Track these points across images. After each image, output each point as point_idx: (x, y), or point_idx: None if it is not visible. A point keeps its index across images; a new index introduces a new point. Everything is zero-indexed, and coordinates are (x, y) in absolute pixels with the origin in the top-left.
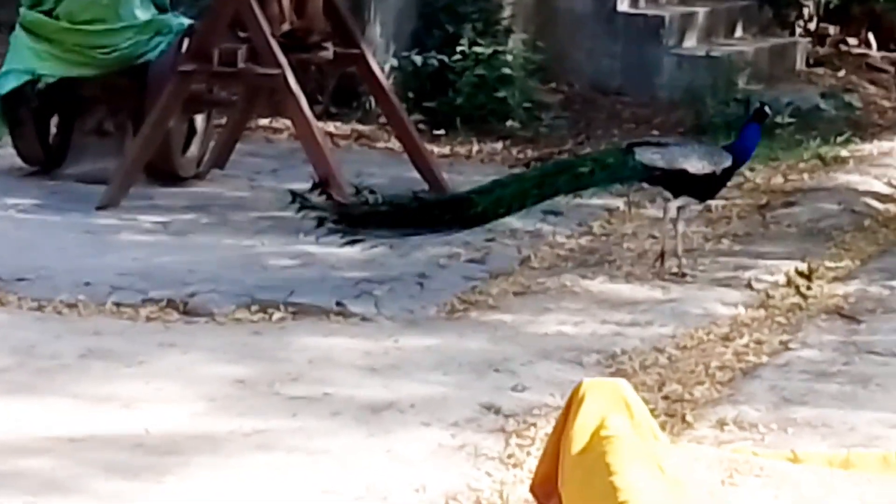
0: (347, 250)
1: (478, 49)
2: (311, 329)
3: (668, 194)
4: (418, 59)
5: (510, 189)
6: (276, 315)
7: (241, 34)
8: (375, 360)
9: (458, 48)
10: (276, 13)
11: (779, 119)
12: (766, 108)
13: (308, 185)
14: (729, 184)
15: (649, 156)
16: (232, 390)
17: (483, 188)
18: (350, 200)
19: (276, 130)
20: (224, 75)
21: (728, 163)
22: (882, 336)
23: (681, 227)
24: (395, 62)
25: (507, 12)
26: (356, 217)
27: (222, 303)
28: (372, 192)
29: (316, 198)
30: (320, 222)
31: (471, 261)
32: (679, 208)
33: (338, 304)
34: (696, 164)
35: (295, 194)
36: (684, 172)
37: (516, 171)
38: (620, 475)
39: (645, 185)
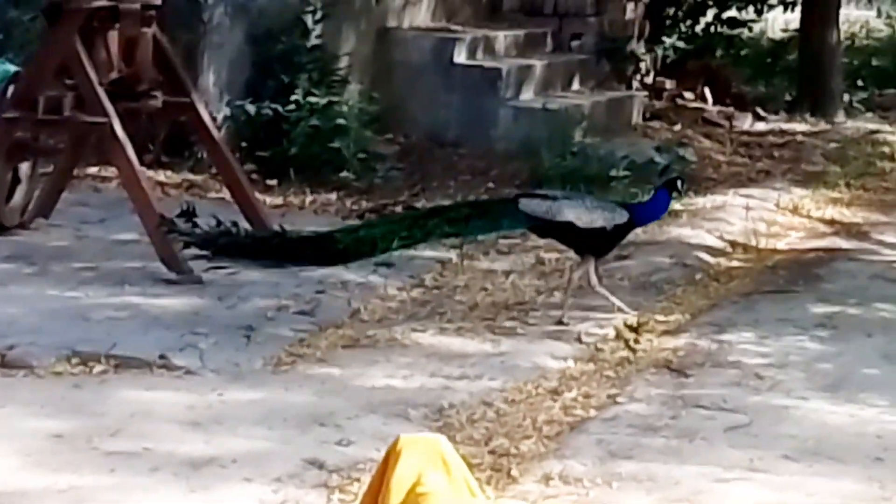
0: (172, 302)
1: (313, 99)
2: (132, 382)
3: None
4: (252, 109)
5: (377, 230)
6: (98, 368)
7: (68, 81)
8: (198, 414)
9: (293, 98)
10: (104, 60)
11: (614, 172)
12: (679, 182)
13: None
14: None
15: (533, 206)
16: (48, 445)
17: (349, 227)
18: (215, 230)
19: (104, 179)
20: (49, 123)
21: (622, 219)
22: (709, 390)
23: (576, 277)
24: (228, 111)
25: (343, 63)
26: (220, 246)
27: (42, 355)
28: (234, 223)
29: (183, 224)
30: (186, 246)
31: (300, 312)
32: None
33: (161, 356)
34: (583, 218)
35: (164, 218)
36: (570, 225)
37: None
38: None
39: (534, 235)
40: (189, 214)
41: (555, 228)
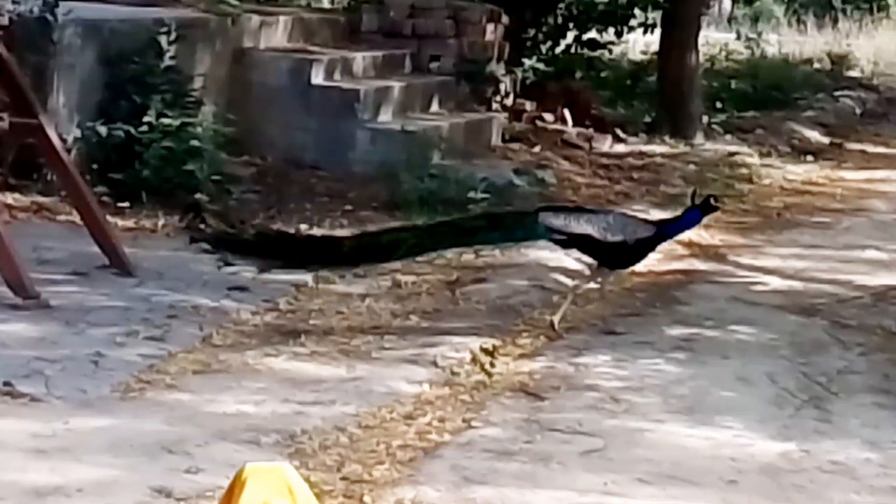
0: (18, 328)
1: (166, 121)
2: None
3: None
4: (103, 130)
5: (385, 237)
6: None
7: None
8: (43, 442)
9: (146, 119)
10: None
11: (472, 194)
12: (712, 200)
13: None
14: (420, 259)
15: (551, 219)
16: None
17: (358, 233)
18: (223, 228)
19: None
20: None
21: (647, 234)
22: (566, 414)
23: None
24: (79, 133)
25: (197, 84)
26: (229, 244)
27: None
28: (242, 222)
29: (192, 222)
30: (193, 240)
31: (150, 338)
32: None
33: (5, 383)
34: (602, 232)
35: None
36: (589, 237)
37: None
38: None
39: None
40: (197, 210)
41: (575, 240)
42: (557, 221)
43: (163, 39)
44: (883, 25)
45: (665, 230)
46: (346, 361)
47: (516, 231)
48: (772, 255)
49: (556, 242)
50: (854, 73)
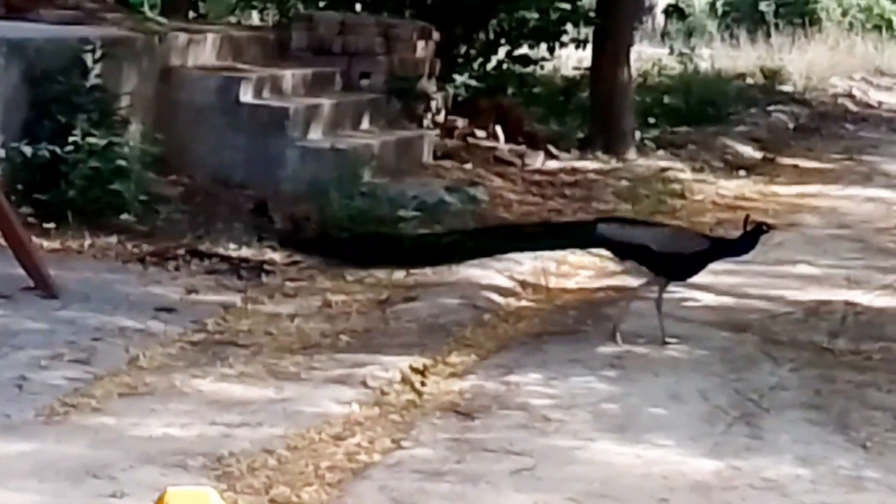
0: None
1: (92, 140)
2: None
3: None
4: (28, 150)
5: (445, 239)
6: None
7: None
8: None
9: (71, 139)
10: None
11: (403, 212)
12: (764, 226)
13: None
14: (350, 278)
15: (611, 230)
16: None
17: (418, 233)
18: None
19: None
20: None
21: (702, 247)
22: (495, 433)
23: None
24: (3, 153)
25: (124, 103)
26: (295, 242)
27: None
28: (306, 218)
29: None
30: (260, 238)
31: (75, 361)
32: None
33: None
34: (659, 243)
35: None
36: (646, 248)
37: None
38: None
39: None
40: (264, 209)
41: (632, 250)
42: (615, 231)
43: (88, 58)
44: (815, 40)
45: (721, 248)
46: (275, 382)
47: (576, 239)
48: (703, 270)
49: (614, 252)
50: (786, 88)
